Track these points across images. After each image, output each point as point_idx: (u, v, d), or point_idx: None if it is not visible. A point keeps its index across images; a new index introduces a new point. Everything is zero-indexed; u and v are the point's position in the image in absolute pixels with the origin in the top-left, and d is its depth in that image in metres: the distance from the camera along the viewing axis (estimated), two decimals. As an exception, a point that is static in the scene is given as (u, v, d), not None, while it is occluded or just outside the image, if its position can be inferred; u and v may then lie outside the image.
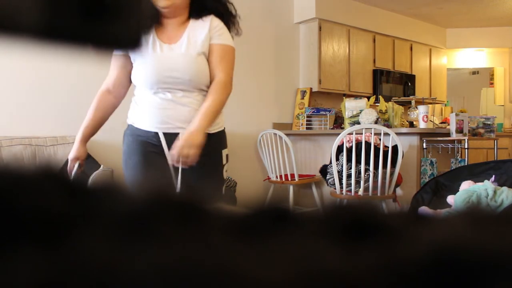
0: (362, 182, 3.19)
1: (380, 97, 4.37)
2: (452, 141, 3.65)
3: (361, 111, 4.00)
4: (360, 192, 3.21)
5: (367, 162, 3.17)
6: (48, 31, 0.19)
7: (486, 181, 2.64)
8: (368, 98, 4.44)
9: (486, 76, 7.50)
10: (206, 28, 1.57)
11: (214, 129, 1.62)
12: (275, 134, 4.12)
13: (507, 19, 6.17)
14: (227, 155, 1.69)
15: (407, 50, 6.07)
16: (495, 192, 2.52)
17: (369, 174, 3.18)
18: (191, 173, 1.51)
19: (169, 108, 1.56)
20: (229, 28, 1.64)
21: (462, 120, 3.54)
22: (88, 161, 3.11)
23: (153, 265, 0.16)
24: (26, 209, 0.18)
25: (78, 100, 3.59)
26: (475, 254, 0.17)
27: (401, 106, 4.15)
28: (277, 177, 4.09)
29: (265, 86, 4.79)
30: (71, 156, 1.67)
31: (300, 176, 4.09)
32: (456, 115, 3.59)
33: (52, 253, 0.17)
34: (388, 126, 3.77)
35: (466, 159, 3.48)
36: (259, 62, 4.76)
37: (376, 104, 4.33)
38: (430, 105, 5.26)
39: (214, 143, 1.59)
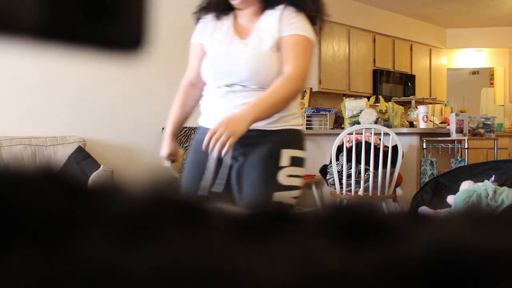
0: (362, 182, 3.19)
1: (380, 97, 4.37)
2: (452, 141, 3.65)
3: (361, 111, 4.00)
4: (360, 192, 3.21)
5: (367, 162, 3.17)
6: (48, 31, 0.19)
7: (486, 181, 2.64)
8: (368, 98, 4.43)
9: (486, 76, 7.50)
10: (276, 20, 1.42)
11: (277, 126, 1.42)
12: (275, 134, 4.12)
13: (507, 19, 6.17)
14: (292, 157, 1.40)
15: (407, 50, 6.08)
16: (495, 192, 2.52)
17: (369, 174, 3.18)
18: (237, 173, 1.41)
19: (227, 105, 1.42)
20: (311, 19, 1.46)
21: (462, 120, 3.54)
22: (88, 161, 3.11)
23: (153, 265, 0.16)
24: (26, 209, 0.18)
25: (78, 100, 3.59)
26: (475, 254, 0.17)
27: (401, 106, 4.15)
28: (277, 177, 4.09)
29: (265, 86, 4.79)
30: (164, 153, 1.62)
31: (300, 176, 4.08)
32: (456, 115, 3.59)
33: (52, 253, 0.17)
34: (388, 126, 3.77)
35: (466, 159, 3.48)
36: (259, 62, 4.76)
37: (376, 104, 4.33)
38: (430, 105, 5.26)
39: (274, 141, 1.41)
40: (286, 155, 1.40)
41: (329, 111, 4.61)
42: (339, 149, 3.33)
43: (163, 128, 3.94)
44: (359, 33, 5.39)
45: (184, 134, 4.05)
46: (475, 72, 7.74)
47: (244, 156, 1.41)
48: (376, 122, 3.78)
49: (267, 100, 1.33)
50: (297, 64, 1.37)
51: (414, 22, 6.13)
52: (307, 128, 4.62)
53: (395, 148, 3.19)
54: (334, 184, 3.33)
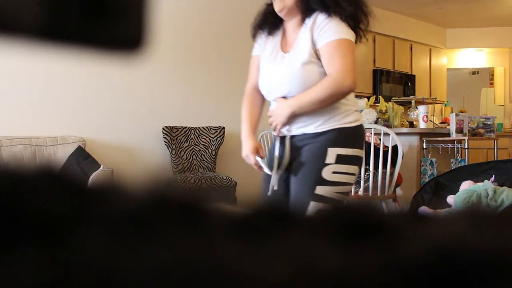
0: (362, 182, 3.19)
1: (380, 97, 4.37)
2: (452, 141, 3.65)
3: (361, 111, 4.00)
4: (360, 192, 3.21)
5: (367, 162, 3.17)
6: (48, 31, 0.19)
7: (486, 181, 2.64)
8: (368, 98, 4.43)
9: (486, 76, 7.50)
10: (308, 32, 1.52)
11: (324, 128, 1.52)
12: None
13: (507, 19, 6.17)
14: (338, 155, 1.50)
15: (407, 50, 6.08)
16: (495, 192, 2.52)
17: (369, 174, 3.18)
18: (293, 168, 1.56)
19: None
20: (349, 22, 1.52)
21: (462, 120, 3.54)
22: (88, 161, 3.11)
23: (153, 265, 0.16)
24: (26, 209, 0.18)
25: (78, 100, 3.59)
26: (475, 254, 0.17)
27: (401, 106, 4.15)
28: (277, 177, 4.09)
29: (265, 86, 4.79)
30: (248, 151, 1.70)
31: (300, 176, 4.08)
32: (456, 115, 3.59)
33: (52, 253, 0.17)
34: (388, 126, 3.77)
35: (466, 159, 3.48)
36: (259, 62, 4.76)
37: (376, 104, 4.33)
38: (430, 105, 5.26)
39: (321, 141, 1.52)
40: (332, 153, 1.50)
41: (329, 111, 4.61)
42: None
43: (163, 128, 3.95)
44: (359, 33, 5.40)
45: (184, 134, 4.05)
46: (475, 72, 7.74)
47: (296, 157, 1.56)
48: (376, 122, 3.78)
49: (303, 99, 1.49)
50: (336, 67, 1.47)
51: (414, 22, 6.13)
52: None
53: (395, 148, 3.19)
54: (334, 184, 3.33)
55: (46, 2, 0.18)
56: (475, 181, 2.72)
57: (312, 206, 1.49)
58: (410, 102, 4.83)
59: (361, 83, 5.44)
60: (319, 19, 1.50)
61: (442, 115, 6.66)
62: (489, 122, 3.67)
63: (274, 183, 1.60)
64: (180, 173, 3.81)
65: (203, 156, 4.04)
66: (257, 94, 1.76)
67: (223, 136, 4.15)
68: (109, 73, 3.72)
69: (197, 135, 4.09)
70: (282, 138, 1.61)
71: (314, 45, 1.51)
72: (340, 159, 1.50)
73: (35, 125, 3.36)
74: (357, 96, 4.84)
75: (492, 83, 7.30)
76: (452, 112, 5.09)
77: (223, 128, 4.17)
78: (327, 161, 1.50)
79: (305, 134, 1.54)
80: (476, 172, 2.89)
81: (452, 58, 6.98)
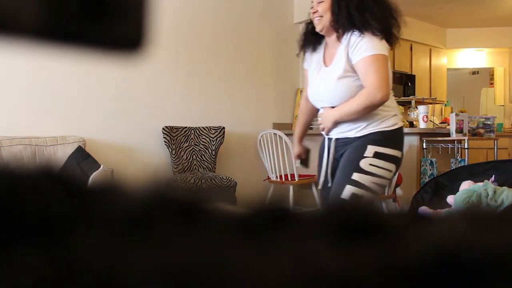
0: (362, 182, 3.19)
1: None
2: (452, 141, 3.65)
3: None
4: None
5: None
6: (48, 31, 0.19)
7: (486, 181, 2.64)
8: (368, 98, 4.43)
9: (486, 76, 7.50)
10: (345, 50, 1.71)
11: (363, 132, 1.73)
12: (275, 134, 4.12)
13: (507, 19, 6.17)
14: (376, 152, 1.70)
15: (407, 50, 6.08)
16: (495, 192, 2.52)
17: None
18: (339, 165, 1.80)
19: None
20: (380, 35, 1.69)
21: (462, 120, 3.54)
22: (88, 161, 3.11)
23: (152, 265, 0.16)
24: (25, 209, 0.18)
25: (78, 100, 3.59)
26: (475, 254, 0.17)
27: (401, 106, 4.15)
28: (277, 177, 4.09)
29: (265, 86, 4.79)
30: (295, 153, 2.10)
31: (300, 176, 4.09)
32: (456, 115, 3.59)
33: (52, 254, 0.17)
34: (388, 126, 3.76)
35: (466, 159, 3.48)
36: (259, 62, 4.76)
37: (376, 104, 4.32)
38: (430, 105, 5.26)
39: (362, 141, 1.73)
40: (371, 149, 1.71)
41: (329, 111, 4.61)
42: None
43: (163, 128, 3.95)
44: (359, 33, 5.39)
45: (184, 134, 4.05)
46: (475, 72, 7.74)
47: (342, 155, 1.79)
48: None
49: (343, 109, 1.72)
50: (370, 82, 1.65)
51: (414, 22, 6.12)
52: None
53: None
54: (334, 184, 3.33)
55: (46, 2, 0.18)
56: (475, 181, 2.72)
57: (348, 189, 1.69)
58: (410, 102, 4.83)
59: (361, 83, 5.44)
60: (353, 37, 1.68)
61: (442, 115, 6.66)
62: (489, 122, 3.67)
63: (322, 180, 1.89)
64: (180, 173, 3.81)
65: (203, 156, 4.04)
66: (308, 103, 2.00)
67: (223, 136, 4.15)
68: (109, 73, 3.72)
69: (197, 135, 4.09)
70: (329, 140, 1.86)
71: (349, 61, 1.70)
72: (378, 155, 1.70)
73: (35, 125, 3.36)
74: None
75: (492, 83, 7.29)
76: (452, 112, 5.09)
77: (223, 128, 4.17)
78: (365, 155, 1.70)
79: (347, 138, 1.77)
80: (476, 172, 2.89)
81: (452, 58, 6.98)
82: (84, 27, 0.19)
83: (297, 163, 2.06)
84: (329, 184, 1.85)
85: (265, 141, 4.21)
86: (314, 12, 1.78)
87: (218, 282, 0.16)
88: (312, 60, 1.87)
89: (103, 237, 0.18)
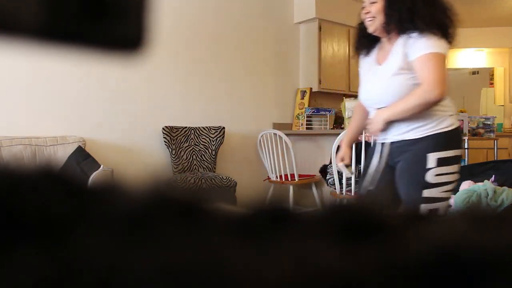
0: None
1: (380, 97, 4.36)
2: (452, 141, 3.64)
3: (361, 111, 4.00)
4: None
5: (367, 162, 3.17)
6: (48, 31, 0.19)
7: (486, 181, 2.64)
8: (368, 98, 4.43)
9: (486, 76, 7.50)
10: (402, 48, 1.70)
11: (421, 134, 1.69)
12: (275, 134, 4.12)
13: (507, 19, 6.17)
14: (438, 159, 1.66)
15: (407, 50, 6.07)
16: (495, 192, 2.52)
17: (369, 174, 3.18)
18: (398, 173, 1.76)
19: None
20: (438, 33, 1.67)
21: (462, 120, 3.54)
22: (88, 161, 3.11)
23: (152, 265, 0.16)
24: (26, 209, 0.18)
25: (78, 100, 3.59)
26: (475, 254, 0.17)
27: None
28: (277, 177, 4.09)
29: (265, 86, 4.79)
30: (338, 156, 2.07)
31: (300, 176, 4.09)
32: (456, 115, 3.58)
33: (52, 254, 0.17)
34: (388, 126, 3.77)
35: (466, 159, 3.48)
36: (259, 62, 4.76)
37: (376, 104, 4.32)
38: (430, 105, 5.24)
39: (420, 147, 1.69)
40: (433, 157, 1.67)
41: (329, 111, 4.61)
42: (339, 149, 3.33)
43: (163, 128, 3.95)
44: (359, 33, 5.39)
45: (184, 134, 4.05)
46: (475, 72, 7.73)
47: (398, 162, 1.75)
48: (376, 122, 3.78)
49: (396, 107, 1.68)
50: (427, 80, 1.63)
51: (414, 22, 6.12)
52: (307, 128, 4.62)
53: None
54: (334, 184, 3.33)
55: (46, 2, 0.18)
56: (475, 181, 2.72)
57: (424, 208, 1.66)
58: (410, 102, 4.82)
59: (361, 83, 5.44)
60: (412, 35, 1.66)
61: (442, 115, 6.64)
62: (489, 122, 3.67)
63: (365, 185, 1.86)
64: (180, 173, 3.81)
65: (203, 156, 4.04)
66: (361, 108, 2.00)
67: (223, 136, 4.15)
68: (109, 73, 3.72)
69: (197, 135, 4.09)
70: (382, 145, 1.81)
71: (406, 57, 1.67)
72: (441, 162, 1.66)
73: (35, 125, 3.36)
74: (357, 96, 4.84)
75: (492, 83, 7.29)
76: (452, 112, 5.08)
77: (223, 128, 4.17)
78: (428, 166, 1.66)
79: (403, 141, 1.72)
80: (476, 172, 2.89)
81: (452, 58, 6.98)
82: (84, 27, 0.19)
83: (341, 167, 2.04)
84: (371, 188, 1.85)
85: (265, 141, 4.21)
86: (367, 13, 1.76)
87: (218, 282, 0.16)
88: (365, 62, 1.88)
89: (103, 237, 0.18)
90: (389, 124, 1.72)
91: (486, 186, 2.57)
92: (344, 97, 4.69)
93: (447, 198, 1.69)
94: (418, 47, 1.65)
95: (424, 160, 1.67)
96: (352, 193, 3.25)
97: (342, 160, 2.04)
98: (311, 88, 4.96)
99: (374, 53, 1.84)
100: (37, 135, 3.29)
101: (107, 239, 0.18)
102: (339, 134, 3.31)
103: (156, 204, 0.20)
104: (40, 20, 0.18)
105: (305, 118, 4.64)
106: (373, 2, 1.73)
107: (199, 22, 4.31)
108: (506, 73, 7.02)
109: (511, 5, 5.69)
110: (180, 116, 4.15)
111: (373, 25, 1.75)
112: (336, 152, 3.36)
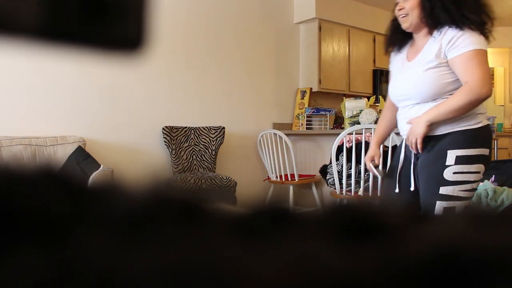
0: (362, 182, 3.19)
1: (380, 97, 4.37)
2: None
3: (361, 111, 4.00)
4: (360, 192, 3.21)
5: (367, 162, 3.17)
6: (48, 31, 0.19)
7: (486, 181, 2.64)
8: (368, 98, 4.44)
9: (486, 76, 7.48)
10: (438, 44, 1.66)
11: (443, 131, 1.67)
12: (275, 134, 4.12)
13: (507, 19, 6.17)
14: (458, 156, 1.63)
15: (407, 50, 6.07)
16: (495, 192, 2.52)
17: (369, 174, 3.18)
18: (418, 170, 1.76)
19: (404, 120, 1.79)
20: (478, 30, 1.66)
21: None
22: (88, 161, 3.11)
23: (153, 266, 0.16)
24: (25, 209, 0.18)
25: (78, 100, 3.59)
26: (475, 254, 0.17)
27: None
28: (277, 177, 4.09)
29: (265, 86, 4.79)
30: (366, 158, 2.02)
31: (300, 176, 4.09)
32: (456, 115, 3.58)
33: (52, 254, 0.17)
34: (388, 126, 3.76)
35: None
36: (259, 62, 4.76)
37: (376, 104, 4.33)
38: (430, 105, 5.24)
39: (442, 144, 1.67)
40: (452, 155, 1.64)
41: (329, 111, 4.62)
42: (339, 149, 3.33)
43: (163, 128, 3.95)
44: (359, 33, 5.39)
45: (184, 134, 4.05)
46: (475, 72, 7.72)
47: (420, 159, 1.74)
48: (376, 122, 3.78)
49: (439, 108, 1.63)
50: (472, 77, 1.59)
51: (414, 22, 6.12)
52: (307, 128, 4.62)
53: (395, 148, 3.19)
54: (334, 184, 3.33)
55: (46, 2, 0.18)
56: (475, 181, 2.72)
57: (438, 205, 1.65)
58: (410, 102, 4.82)
59: (361, 83, 5.44)
60: (450, 32, 1.63)
61: (442, 115, 6.65)
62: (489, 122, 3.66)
63: (395, 187, 1.85)
64: (180, 173, 3.81)
65: (203, 156, 4.04)
66: (386, 111, 2.00)
67: (223, 136, 4.15)
68: (109, 73, 3.72)
69: (197, 135, 4.09)
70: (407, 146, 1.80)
71: (441, 54, 1.64)
72: (460, 160, 1.63)
73: (35, 125, 3.36)
74: (357, 96, 4.85)
75: (492, 83, 7.29)
76: (452, 112, 5.08)
77: (223, 128, 4.17)
78: (447, 163, 1.64)
79: (428, 137, 1.68)
80: (476, 172, 2.88)
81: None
82: (84, 27, 0.19)
83: (371, 167, 2.00)
84: (396, 190, 1.84)
85: (265, 141, 4.21)
86: (400, 9, 1.74)
87: (218, 282, 0.16)
88: (396, 60, 1.86)
89: (103, 237, 0.18)
90: (431, 126, 1.66)
91: (486, 186, 2.57)
92: (344, 97, 4.69)
93: (467, 198, 1.65)
94: (459, 44, 1.61)
95: (444, 157, 1.64)
96: (352, 193, 3.25)
97: (372, 160, 1.99)
98: (311, 88, 4.96)
99: (405, 50, 1.82)
100: (37, 135, 3.29)
101: (107, 239, 0.18)
102: (339, 134, 3.31)
103: (156, 204, 0.20)
104: (40, 20, 0.18)
105: (305, 118, 4.64)
106: None
107: (199, 22, 4.31)
108: (506, 73, 7.02)
109: (511, 5, 5.69)
110: (180, 116, 4.15)
111: (407, 22, 1.73)
112: (336, 152, 3.37)
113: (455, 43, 1.62)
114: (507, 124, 6.75)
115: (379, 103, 4.12)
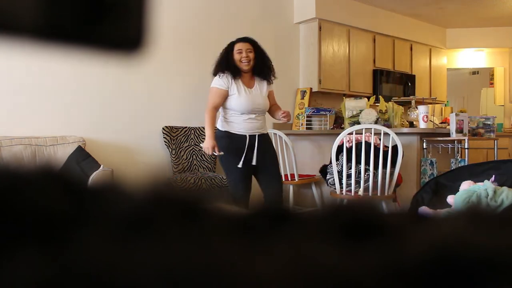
0: (362, 182, 3.19)
1: (380, 97, 4.37)
2: (452, 141, 3.65)
3: (361, 111, 4.00)
4: (360, 192, 3.21)
5: (367, 162, 3.17)
6: (48, 31, 0.19)
7: (486, 181, 2.64)
8: (368, 98, 4.44)
9: (486, 76, 7.50)
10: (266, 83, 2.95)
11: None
12: (275, 134, 4.12)
13: (507, 19, 6.17)
14: None
15: (407, 50, 6.07)
16: (495, 192, 2.52)
17: (369, 174, 3.18)
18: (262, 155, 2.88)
19: (253, 122, 2.84)
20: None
21: (462, 120, 3.54)
22: (88, 161, 3.11)
23: (153, 265, 0.16)
24: (25, 209, 0.18)
25: (78, 100, 3.59)
26: (475, 254, 0.17)
27: (401, 106, 4.15)
28: (277, 177, 4.09)
29: (265, 86, 4.79)
30: (208, 145, 2.72)
31: (300, 176, 4.08)
32: (456, 115, 3.59)
33: (52, 253, 0.17)
34: (388, 126, 3.77)
35: (466, 159, 3.48)
36: (259, 62, 4.75)
37: (376, 104, 4.33)
38: (430, 105, 5.26)
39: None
40: None
41: (329, 111, 4.61)
42: (339, 149, 3.33)
43: (163, 128, 3.95)
44: (359, 33, 5.39)
45: (184, 134, 4.05)
46: (475, 72, 7.74)
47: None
48: (376, 122, 3.78)
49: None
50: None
51: (414, 22, 6.12)
52: (307, 128, 4.62)
53: (395, 148, 3.19)
54: (334, 184, 3.33)
55: (46, 2, 0.18)
56: (475, 181, 2.72)
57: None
58: (410, 102, 4.83)
59: (361, 83, 5.44)
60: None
61: (442, 115, 6.65)
62: (489, 122, 3.67)
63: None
64: (180, 173, 3.81)
65: (203, 156, 4.03)
66: (215, 112, 2.93)
67: (223, 136, 4.15)
68: (110, 73, 3.72)
69: (197, 135, 4.09)
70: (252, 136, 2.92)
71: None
72: None
73: (35, 125, 3.36)
74: (357, 96, 4.85)
75: (492, 83, 7.29)
76: (452, 112, 5.09)
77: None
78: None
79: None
80: (476, 172, 2.89)
81: (452, 58, 6.98)
82: (84, 27, 0.19)
83: (215, 152, 2.75)
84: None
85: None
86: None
87: (218, 282, 0.16)
88: None
89: (102, 237, 0.18)
90: None
91: (486, 186, 2.57)
92: (344, 97, 4.68)
93: None
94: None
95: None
96: (352, 193, 3.25)
97: (214, 147, 2.78)
98: (311, 88, 4.96)
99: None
100: (37, 135, 3.29)
101: (107, 239, 0.18)
102: (339, 134, 3.31)
103: (155, 204, 0.20)
104: (40, 20, 0.18)
105: (305, 118, 4.64)
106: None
107: (199, 22, 4.30)
108: (506, 73, 7.02)
109: (511, 5, 5.69)
110: (180, 116, 4.15)
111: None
112: (336, 152, 3.37)
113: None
114: (507, 124, 6.75)
115: (379, 103, 4.12)
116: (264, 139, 2.89)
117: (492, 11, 5.88)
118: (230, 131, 2.80)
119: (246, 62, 2.83)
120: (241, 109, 2.77)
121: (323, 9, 4.95)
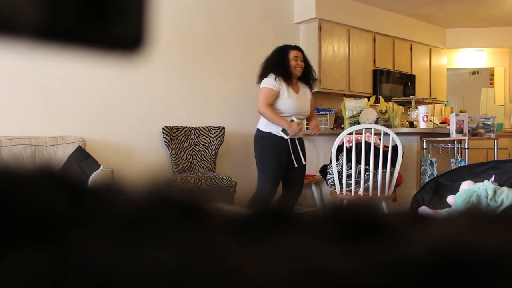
0: (362, 182, 3.19)
1: (380, 97, 4.37)
2: (452, 141, 3.65)
3: (361, 111, 4.00)
4: (360, 192, 3.21)
5: (367, 162, 3.17)
6: (48, 31, 0.19)
7: (486, 181, 2.64)
8: (368, 98, 4.43)
9: (486, 76, 7.50)
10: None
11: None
12: (275, 134, 4.12)
13: (507, 19, 6.17)
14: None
15: (407, 50, 6.07)
16: (495, 192, 2.52)
17: (369, 174, 3.18)
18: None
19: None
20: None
21: (462, 120, 3.54)
22: (88, 161, 3.11)
23: (153, 265, 0.16)
24: (25, 209, 0.18)
25: (78, 100, 3.59)
26: (475, 253, 0.17)
27: (401, 106, 4.15)
28: (277, 177, 4.09)
29: (265, 86, 4.79)
30: (293, 126, 3.02)
31: (300, 176, 4.07)
32: (456, 115, 3.59)
33: (52, 253, 0.17)
34: (388, 126, 3.77)
35: (466, 159, 3.48)
36: (259, 62, 4.75)
37: (376, 104, 4.33)
38: (430, 105, 5.26)
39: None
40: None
41: (329, 111, 4.61)
42: (339, 149, 3.33)
43: (163, 128, 3.95)
44: (359, 33, 5.39)
45: (184, 134, 4.05)
46: (475, 72, 7.73)
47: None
48: (376, 122, 3.78)
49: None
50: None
51: (414, 22, 6.12)
52: (307, 128, 4.62)
53: (395, 148, 3.19)
54: (334, 184, 3.33)
55: (46, 3, 0.18)
56: (475, 181, 2.72)
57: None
58: (410, 102, 4.83)
59: (361, 83, 5.44)
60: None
61: (442, 115, 6.65)
62: (489, 122, 3.67)
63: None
64: (180, 173, 3.81)
65: (203, 156, 4.03)
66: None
67: (223, 136, 4.15)
68: (109, 73, 3.72)
69: (197, 135, 4.09)
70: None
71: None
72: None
73: (35, 125, 3.36)
74: (357, 96, 4.85)
75: (492, 83, 7.29)
76: (452, 112, 5.09)
77: (223, 128, 4.17)
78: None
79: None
80: (476, 172, 2.89)
81: (452, 58, 6.98)
82: (84, 27, 0.19)
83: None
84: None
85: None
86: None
87: (219, 282, 0.16)
88: None
89: (102, 237, 0.18)
90: None
91: (486, 186, 2.57)
92: (344, 97, 4.68)
93: None
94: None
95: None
96: (352, 193, 3.25)
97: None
98: (311, 88, 4.95)
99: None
100: (37, 135, 3.29)
101: (107, 239, 0.18)
102: (339, 134, 3.31)
103: (156, 204, 0.20)
104: (40, 20, 0.18)
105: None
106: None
107: (199, 22, 4.31)
108: (506, 73, 7.02)
109: (511, 5, 5.69)
110: (180, 116, 4.15)
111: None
112: (336, 152, 3.36)
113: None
114: (507, 124, 6.75)
115: (379, 103, 4.12)
116: (301, 142, 3.13)
117: (492, 11, 5.88)
118: (273, 133, 2.99)
119: (300, 69, 3.07)
120: (289, 111, 2.99)
121: (323, 9, 4.95)
